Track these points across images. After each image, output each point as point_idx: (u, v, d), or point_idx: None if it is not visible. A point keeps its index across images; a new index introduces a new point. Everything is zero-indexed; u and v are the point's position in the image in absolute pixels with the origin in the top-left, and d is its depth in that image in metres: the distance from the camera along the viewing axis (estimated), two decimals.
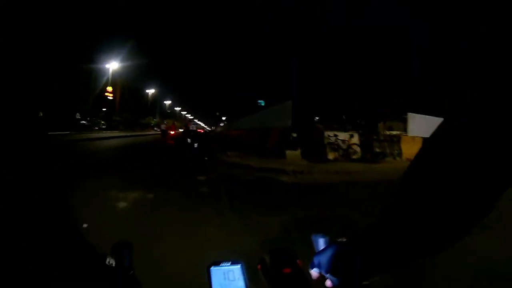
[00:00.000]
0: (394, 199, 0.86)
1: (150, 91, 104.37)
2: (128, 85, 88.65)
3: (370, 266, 0.91)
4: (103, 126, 60.54)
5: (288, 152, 16.08)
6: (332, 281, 0.98)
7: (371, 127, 22.62)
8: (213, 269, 1.16)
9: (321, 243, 1.10)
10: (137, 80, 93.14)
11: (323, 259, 1.00)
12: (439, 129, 0.75)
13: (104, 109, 67.28)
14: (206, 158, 16.68)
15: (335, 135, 17.21)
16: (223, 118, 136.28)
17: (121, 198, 7.07)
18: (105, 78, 68.66)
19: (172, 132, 39.07)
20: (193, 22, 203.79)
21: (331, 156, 16.58)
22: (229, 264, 1.18)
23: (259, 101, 67.67)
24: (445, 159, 0.72)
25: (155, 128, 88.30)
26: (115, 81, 78.47)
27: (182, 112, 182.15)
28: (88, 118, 57.86)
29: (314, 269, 1.02)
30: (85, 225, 2.06)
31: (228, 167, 13.90)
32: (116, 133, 46.27)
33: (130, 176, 10.43)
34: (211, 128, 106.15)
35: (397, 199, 0.86)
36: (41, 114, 36.60)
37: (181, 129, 55.50)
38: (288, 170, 12.35)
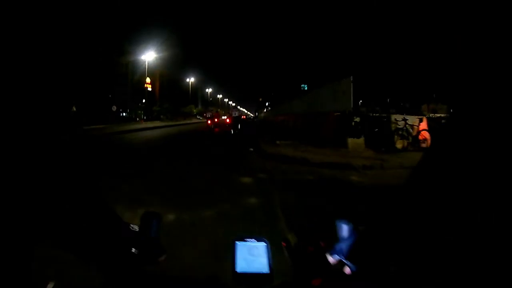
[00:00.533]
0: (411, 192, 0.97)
1: (190, 80, 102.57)
2: (167, 75, 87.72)
3: (389, 255, 0.99)
4: (144, 117, 60.35)
5: (349, 140, 13.27)
6: (350, 267, 1.06)
7: (416, 110, 19.39)
8: (238, 243, 1.21)
9: (344, 230, 1.14)
10: (176, 69, 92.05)
11: (344, 246, 1.08)
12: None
13: (143, 100, 65.90)
14: (251, 149, 14.22)
15: (405, 119, 13.71)
16: (267, 104, 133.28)
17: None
18: (142, 69, 66.88)
19: (216, 120, 38.96)
20: (229, 6, 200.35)
21: (399, 144, 13.42)
22: (254, 240, 1.23)
23: (302, 85, 62.85)
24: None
25: (198, 117, 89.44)
26: (153, 71, 77.38)
27: (225, 100, 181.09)
28: (128, 110, 58.30)
29: (334, 255, 1.11)
30: None
31: (279, 161, 11.17)
32: (157, 123, 45.33)
33: (149, 181, 8.11)
34: (255, 114, 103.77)
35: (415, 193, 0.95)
36: (75, 109, 35.55)
37: (225, 116, 54.44)
38: (356, 165, 9.64)
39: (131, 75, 69.41)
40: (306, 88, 60.73)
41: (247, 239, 1.23)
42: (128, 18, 59.92)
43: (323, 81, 28.41)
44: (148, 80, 76.46)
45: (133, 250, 1.14)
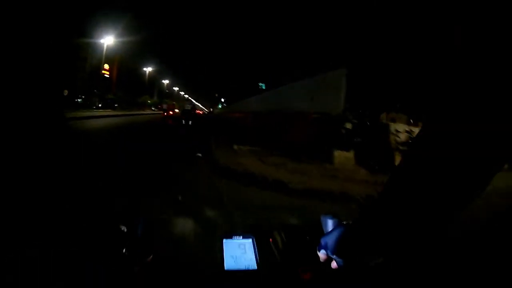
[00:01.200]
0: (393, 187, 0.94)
1: (148, 69, 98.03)
2: (125, 63, 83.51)
3: (375, 248, 0.96)
4: (99, 105, 56.72)
5: (336, 153, 9.66)
6: (337, 262, 1.05)
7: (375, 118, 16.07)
8: (226, 241, 1.32)
9: (329, 224, 1.16)
10: (134, 58, 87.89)
11: (330, 240, 1.07)
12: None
13: (97, 87, 62.30)
14: (199, 155, 9.92)
15: (409, 132, 9.79)
16: (222, 100, 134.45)
17: None
18: (100, 54, 63.43)
19: (171, 112, 39.57)
20: None
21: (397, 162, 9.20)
22: (240, 237, 1.34)
23: (260, 84, 65.00)
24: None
25: (152, 108, 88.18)
26: (112, 58, 74.71)
27: (180, 93, 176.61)
28: (83, 96, 54.22)
29: (322, 251, 1.10)
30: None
31: (239, 181, 7.22)
32: (109, 112, 42.28)
33: None
34: (209, 110, 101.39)
35: (397, 187, 0.93)
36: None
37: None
38: (358, 196, 6.28)
39: (90, 59, 64.48)
40: (264, 87, 61.38)
41: (234, 236, 1.35)
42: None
43: (281, 81, 28.56)
44: (106, 66, 73.90)
45: (124, 251, 1.13)
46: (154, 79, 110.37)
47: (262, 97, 23.99)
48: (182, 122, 29.20)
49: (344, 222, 1.13)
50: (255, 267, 1.24)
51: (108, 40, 57.59)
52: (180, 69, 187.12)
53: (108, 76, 75.95)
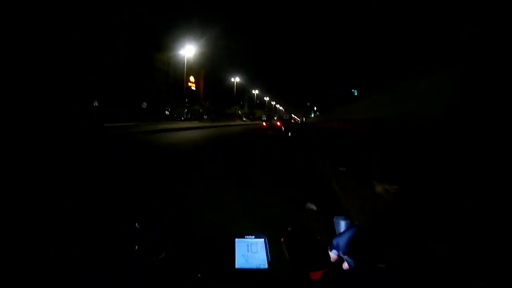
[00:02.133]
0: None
1: (235, 79, 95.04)
2: (211, 73, 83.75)
3: (385, 249, 1.01)
4: (183, 117, 55.70)
5: None
6: (348, 263, 1.05)
7: None
8: (238, 240, 1.34)
9: (342, 225, 1.19)
10: (220, 68, 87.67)
11: (342, 241, 1.08)
12: None
13: (186, 99, 60.53)
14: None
15: None
16: (315, 108, 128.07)
17: None
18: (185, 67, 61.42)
19: (265, 124, 39.25)
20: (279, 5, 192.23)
21: None
22: (253, 237, 1.36)
23: (353, 90, 56.49)
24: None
25: (244, 118, 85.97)
26: (197, 70, 75.38)
27: (272, 102, 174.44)
28: (169, 109, 54.07)
29: (333, 251, 1.11)
30: None
31: None
32: (194, 124, 40.26)
33: None
34: (301, 118, 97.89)
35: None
36: (96, 104, 30.47)
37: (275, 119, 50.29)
38: None
39: (172, 72, 64.55)
40: (356, 94, 54.46)
41: (247, 236, 1.36)
42: (171, 11, 54.77)
43: (375, 86, 25.64)
44: (192, 78, 75.50)
45: (136, 247, 1.19)
46: (243, 89, 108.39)
47: (371, 100, 18.53)
48: (281, 131, 29.15)
49: (357, 223, 1.13)
50: (266, 266, 1.25)
51: (188, 51, 54.87)
52: (269, 78, 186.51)
53: (194, 88, 75.56)
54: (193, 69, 73.07)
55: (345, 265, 1.07)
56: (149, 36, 54.58)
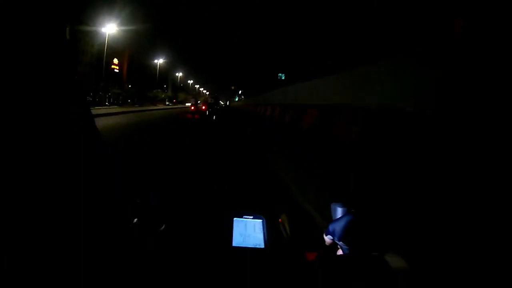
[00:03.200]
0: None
1: (159, 61, 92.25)
2: (134, 56, 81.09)
3: (380, 237, 1.03)
4: (110, 101, 54.15)
5: None
6: (343, 249, 1.10)
7: None
8: (236, 219, 1.39)
9: (338, 211, 1.21)
10: (142, 49, 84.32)
11: (338, 227, 1.10)
12: None
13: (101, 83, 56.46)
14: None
15: None
16: (240, 92, 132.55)
17: None
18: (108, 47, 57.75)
19: (193, 107, 38.77)
20: None
21: None
22: (251, 217, 1.41)
23: (280, 74, 59.68)
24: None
25: (167, 103, 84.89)
26: (121, 52, 72.63)
27: (195, 86, 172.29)
28: (91, 93, 50.14)
29: (328, 236, 1.15)
30: None
31: None
32: (114, 109, 35.60)
33: None
34: (225, 103, 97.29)
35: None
36: None
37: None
38: None
39: (97, 54, 60.72)
40: (283, 78, 57.60)
41: (245, 216, 1.41)
42: None
43: (303, 71, 27.77)
44: (115, 61, 72.91)
45: (135, 220, 1.24)
46: (167, 71, 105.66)
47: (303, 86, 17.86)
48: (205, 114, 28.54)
49: (353, 211, 1.14)
50: (263, 246, 1.28)
51: (110, 28, 51.25)
52: (193, 61, 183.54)
53: (117, 71, 73.26)
54: (116, 51, 70.69)
55: (339, 252, 1.11)
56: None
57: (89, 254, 1.00)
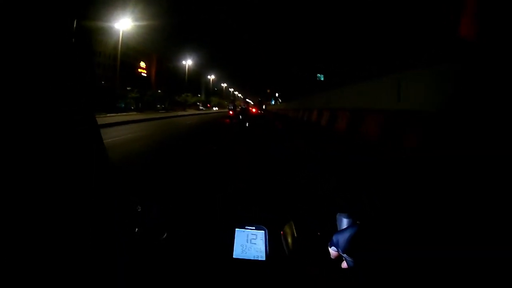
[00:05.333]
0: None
1: (187, 62, 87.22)
2: (159, 56, 77.67)
3: (385, 249, 0.97)
4: (139, 106, 51.14)
5: None
6: (347, 262, 1.06)
7: None
8: (238, 230, 1.37)
9: (344, 222, 1.16)
10: (171, 51, 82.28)
11: (342, 238, 1.06)
12: None
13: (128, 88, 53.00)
14: None
15: None
16: (276, 95, 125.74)
17: None
18: (132, 48, 57.54)
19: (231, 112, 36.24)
20: None
21: None
22: (253, 228, 1.39)
23: (318, 75, 56.34)
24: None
25: (201, 107, 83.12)
26: (148, 54, 71.29)
27: (230, 89, 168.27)
28: (118, 100, 45.34)
29: (333, 247, 1.11)
30: None
31: None
32: (128, 116, 30.35)
33: None
34: (260, 106, 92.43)
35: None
36: None
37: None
38: None
39: (121, 56, 54.86)
40: (322, 79, 54.91)
41: (247, 227, 1.39)
42: None
43: (343, 70, 27.61)
44: (142, 64, 71.04)
45: (136, 230, 1.22)
46: (198, 75, 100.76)
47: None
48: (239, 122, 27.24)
49: (358, 222, 1.11)
50: (264, 258, 1.28)
51: (123, 24, 45.03)
52: (226, 63, 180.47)
53: (145, 74, 72.29)
54: (143, 53, 68.74)
55: (344, 264, 1.08)
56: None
57: (88, 262, 0.96)
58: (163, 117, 33.54)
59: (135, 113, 40.09)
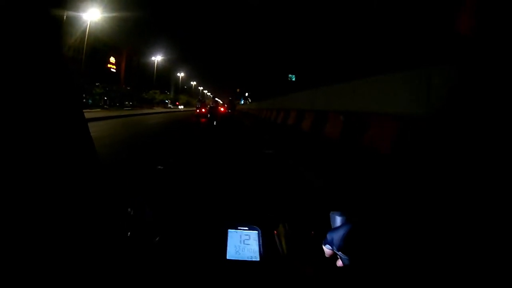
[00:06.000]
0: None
1: (156, 58, 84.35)
2: (128, 52, 77.08)
3: (380, 247, 0.99)
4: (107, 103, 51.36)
5: None
6: (342, 259, 1.05)
7: None
8: (230, 231, 1.34)
9: (337, 220, 1.13)
10: (141, 47, 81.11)
11: (336, 236, 1.05)
12: None
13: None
14: None
15: None
16: (246, 94, 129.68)
17: None
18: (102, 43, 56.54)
19: (203, 110, 36.87)
20: None
21: None
22: (246, 228, 1.36)
23: (290, 75, 59.10)
24: None
25: (170, 105, 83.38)
26: (118, 49, 70.62)
27: (199, 88, 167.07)
28: (85, 95, 45.41)
29: (327, 246, 1.09)
30: None
31: None
32: (93, 113, 27.72)
33: None
34: (230, 106, 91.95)
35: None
36: None
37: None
38: None
39: (89, 50, 53.11)
40: (294, 79, 57.13)
41: (240, 227, 1.36)
42: None
43: (315, 70, 28.11)
44: (112, 59, 70.54)
45: (129, 233, 1.20)
46: (168, 72, 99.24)
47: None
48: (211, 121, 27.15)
49: (352, 220, 1.10)
50: (258, 258, 1.26)
51: (92, 15, 42.54)
52: (196, 61, 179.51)
53: (114, 70, 71.82)
54: (113, 48, 67.83)
55: (339, 262, 1.07)
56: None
57: (79, 265, 0.97)
58: (126, 114, 31.73)
59: (98, 110, 38.41)
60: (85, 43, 42.24)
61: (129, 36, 70.24)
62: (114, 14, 51.41)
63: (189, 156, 9.07)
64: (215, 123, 24.87)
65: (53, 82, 0.98)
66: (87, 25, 41.30)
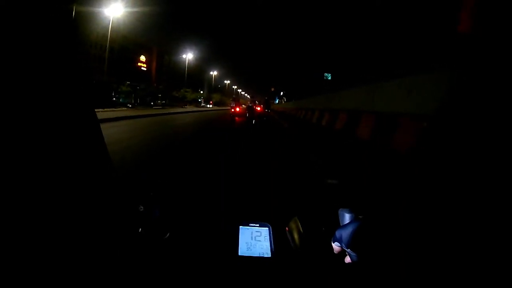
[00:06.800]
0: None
1: (187, 57, 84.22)
2: (159, 50, 75.91)
3: (389, 245, 0.98)
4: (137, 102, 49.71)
5: None
6: (351, 256, 1.05)
7: None
8: (242, 228, 1.34)
9: (346, 218, 1.14)
10: (170, 44, 79.52)
11: (345, 233, 1.06)
12: None
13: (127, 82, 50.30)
14: None
15: None
16: (281, 93, 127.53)
17: None
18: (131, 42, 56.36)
19: (238, 109, 36.08)
20: None
21: None
22: (257, 225, 1.36)
23: (326, 74, 58.24)
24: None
25: (202, 104, 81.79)
26: (148, 48, 70.18)
27: (233, 87, 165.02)
28: (113, 93, 45.65)
29: (336, 243, 1.09)
30: None
31: None
32: (117, 112, 24.78)
33: None
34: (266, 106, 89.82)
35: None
36: None
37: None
38: None
39: (118, 48, 54.93)
40: (329, 78, 56.56)
41: (251, 224, 1.36)
42: None
43: (352, 69, 27.86)
44: (143, 58, 69.73)
45: (140, 230, 1.22)
46: (200, 70, 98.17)
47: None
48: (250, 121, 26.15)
49: (360, 217, 1.11)
50: (269, 254, 1.25)
51: (113, 10, 40.20)
52: (230, 60, 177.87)
53: (145, 69, 71.24)
54: (143, 46, 67.47)
55: (347, 259, 1.07)
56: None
57: (89, 262, 0.99)
58: (149, 114, 28.11)
59: (124, 109, 35.90)
60: (108, 40, 40.55)
61: (159, 35, 69.85)
62: (142, 10, 50.04)
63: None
64: (253, 122, 24.56)
65: (58, 80, 0.95)
66: (109, 22, 39.44)
